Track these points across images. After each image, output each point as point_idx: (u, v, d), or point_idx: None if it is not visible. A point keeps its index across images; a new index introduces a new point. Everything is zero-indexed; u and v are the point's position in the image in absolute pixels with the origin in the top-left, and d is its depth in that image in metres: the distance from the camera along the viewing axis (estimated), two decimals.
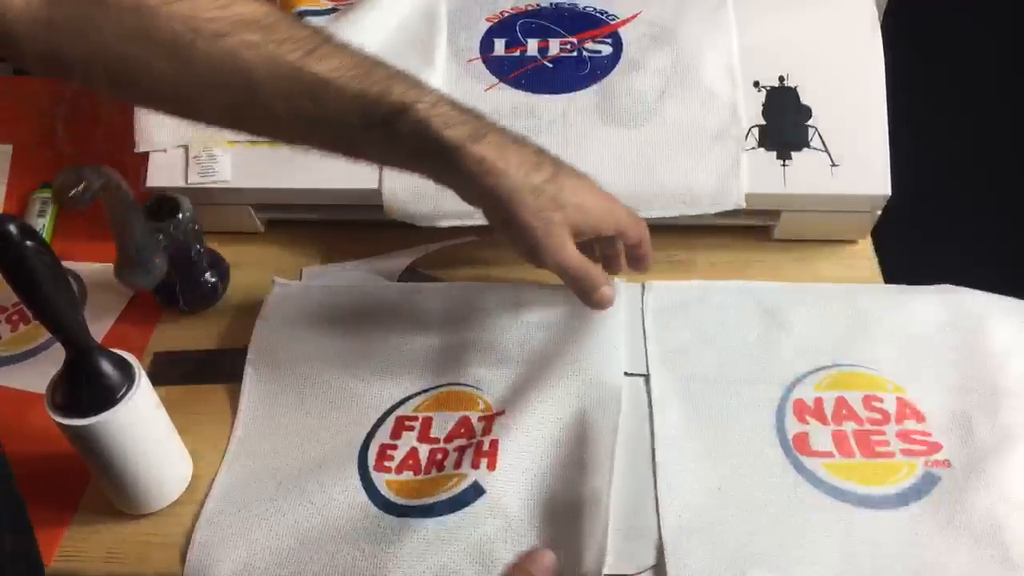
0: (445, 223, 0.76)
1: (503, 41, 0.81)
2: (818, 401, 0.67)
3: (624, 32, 0.81)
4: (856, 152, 0.76)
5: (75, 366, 0.57)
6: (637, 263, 0.69)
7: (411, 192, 0.76)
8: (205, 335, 0.77)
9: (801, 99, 0.78)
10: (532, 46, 0.81)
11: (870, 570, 0.58)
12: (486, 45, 0.81)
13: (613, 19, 0.82)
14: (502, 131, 0.60)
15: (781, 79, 0.78)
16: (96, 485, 0.65)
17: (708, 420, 0.66)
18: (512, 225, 0.60)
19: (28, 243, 0.51)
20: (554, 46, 0.81)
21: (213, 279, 0.78)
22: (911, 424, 0.65)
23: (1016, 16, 1.07)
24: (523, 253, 0.62)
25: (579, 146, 0.76)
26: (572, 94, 0.78)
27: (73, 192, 0.63)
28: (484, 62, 0.81)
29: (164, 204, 0.73)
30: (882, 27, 0.78)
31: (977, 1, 1.09)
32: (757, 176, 0.76)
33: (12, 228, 0.50)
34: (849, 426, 0.65)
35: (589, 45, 0.80)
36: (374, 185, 0.77)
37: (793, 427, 0.66)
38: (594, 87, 0.78)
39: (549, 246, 0.60)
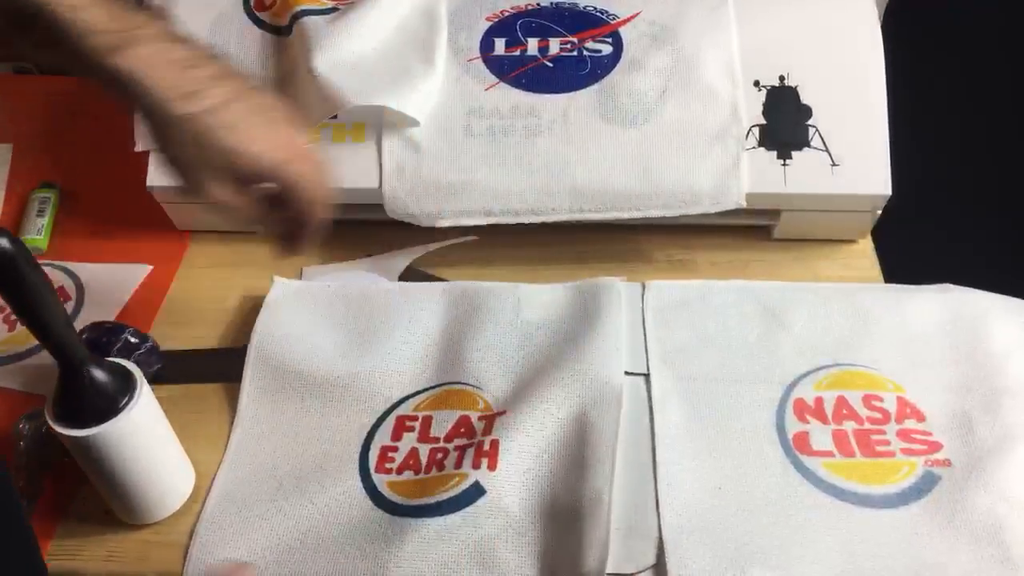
0: (445, 223, 0.76)
1: (503, 40, 0.81)
2: (818, 400, 0.67)
3: (624, 31, 0.81)
4: (856, 152, 0.76)
5: (73, 379, 0.56)
6: (290, 229, 0.61)
7: (411, 192, 0.76)
8: (205, 335, 0.77)
9: (801, 99, 0.77)
10: (532, 45, 0.81)
11: (870, 570, 0.58)
12: (486, 44, 0.81)
13: (613, 18, 0.82)
14: (169, 40, 0.54)
15: (781, 79, 0.78)
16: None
17: (708, 419, 0.66)
18: (162, 153, 0.56)
19: (21, 258, 0.49)
20: (554, 45, 0.81)
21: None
22: (911, 423, 0.65)
23: (1017, 16, 1.07)
24: (177, 183, 0.58)
25: (579, 146, 0.76)
26: (572, 93, 0.78)
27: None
28: (484, 61, 0.80)
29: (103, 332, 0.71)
30: (882, 27, 0.78)
31: (977, 1, 1.09)
32: (757, 176, 0.76)
33: (5, 243, 0.49)
34: (849, 425, 0.65)
35: (589, 44, 0.80)
36: (374, 185, 0.77)
37: (793, 426, 0.66)
38: (594, 86, 0.78)
39: (190, 183, 0.57)
